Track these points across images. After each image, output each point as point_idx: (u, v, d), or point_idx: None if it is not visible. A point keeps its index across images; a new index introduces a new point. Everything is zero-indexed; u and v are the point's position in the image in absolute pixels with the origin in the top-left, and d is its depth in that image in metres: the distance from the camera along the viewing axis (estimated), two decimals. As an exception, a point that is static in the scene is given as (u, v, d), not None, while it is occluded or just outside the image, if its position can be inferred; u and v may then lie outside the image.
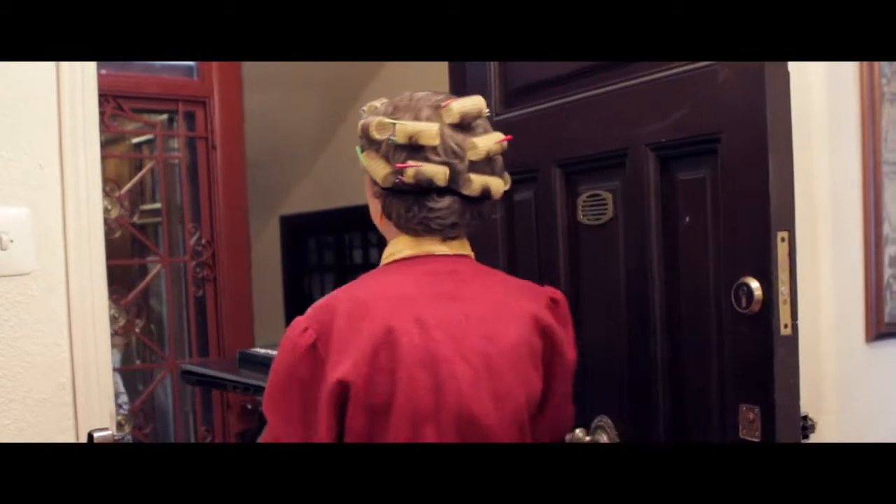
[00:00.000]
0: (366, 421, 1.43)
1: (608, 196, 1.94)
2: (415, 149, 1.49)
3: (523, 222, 2.21)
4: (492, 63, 2.27)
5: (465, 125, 1.53)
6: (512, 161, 2.21)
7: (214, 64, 3.52)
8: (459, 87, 2.41)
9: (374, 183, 1.55)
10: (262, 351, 2.28)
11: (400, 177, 1.49)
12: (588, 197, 1.99)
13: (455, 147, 1.51)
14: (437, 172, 1.49)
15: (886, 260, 2.22)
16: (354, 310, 1.45)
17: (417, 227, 1.54)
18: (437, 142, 1.49)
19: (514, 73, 2.24)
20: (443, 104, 1.53)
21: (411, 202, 1.52)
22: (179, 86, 3.51)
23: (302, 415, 1.44)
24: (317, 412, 1.42)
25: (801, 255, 1.61)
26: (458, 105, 1.52)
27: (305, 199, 4.69)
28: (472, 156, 1.52)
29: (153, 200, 3.96)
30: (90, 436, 1.70)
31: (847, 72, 2.15)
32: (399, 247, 1.57)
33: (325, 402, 1.41)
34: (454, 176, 1.51)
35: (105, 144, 4.14)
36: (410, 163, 1.48)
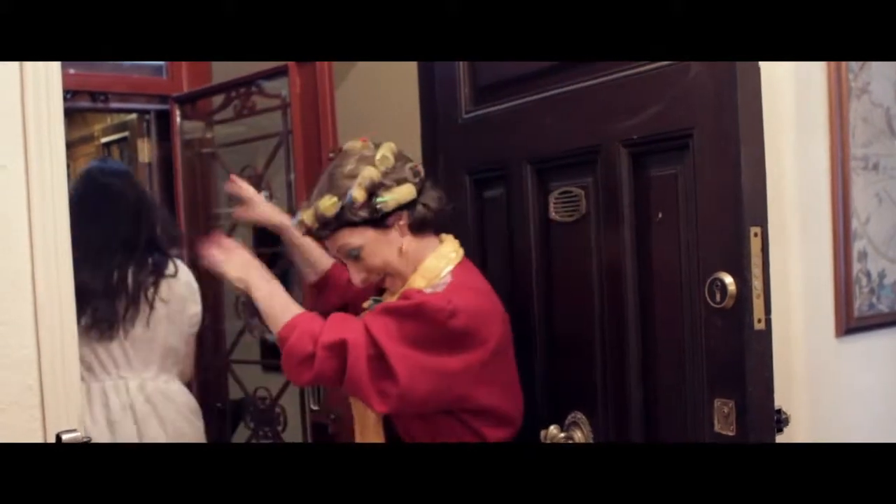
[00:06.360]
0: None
1: (580, 193, 1.94)
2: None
3: (494, 220, 2.20)
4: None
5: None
6: (482, 158, 2.21)
7: (184, 63, 3.48)
8: (428, 84, 2.40)
9: (396, 216, 1.86)
10: None
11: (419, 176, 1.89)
12: (560, 194, 1.99)
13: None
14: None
15: (855, 255, 2.24)
16: (488, 299, 1.88)
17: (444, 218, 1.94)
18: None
19: (483, 69, 2.23)
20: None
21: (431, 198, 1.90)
22: (148, 84, 3.48)
23: (420, 351, 1.75)
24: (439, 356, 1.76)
25: (772, 250, 1.61)
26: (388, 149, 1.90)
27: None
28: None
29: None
30: (58, 438, 1.67)
31: (815, 68, 2.17)
32: (447, 252, 1.93)
33: (487, 352, 1.80)
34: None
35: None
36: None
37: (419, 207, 1.88)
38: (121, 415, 2.54)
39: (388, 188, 1.84)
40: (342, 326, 1.80)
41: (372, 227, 1.85)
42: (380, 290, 2.02)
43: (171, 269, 2.61)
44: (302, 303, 2.00)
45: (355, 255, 1.88)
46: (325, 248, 2.03)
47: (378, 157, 1.85)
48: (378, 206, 1.83)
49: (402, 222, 1.87)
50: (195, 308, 2.71)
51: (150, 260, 2.57)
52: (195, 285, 2.72)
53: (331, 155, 2.00)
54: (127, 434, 2.53)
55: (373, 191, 1.83)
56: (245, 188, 2.28)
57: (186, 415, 2.66)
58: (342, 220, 1.85)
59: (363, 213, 1.83)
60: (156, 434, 2.56)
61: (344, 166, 1.87)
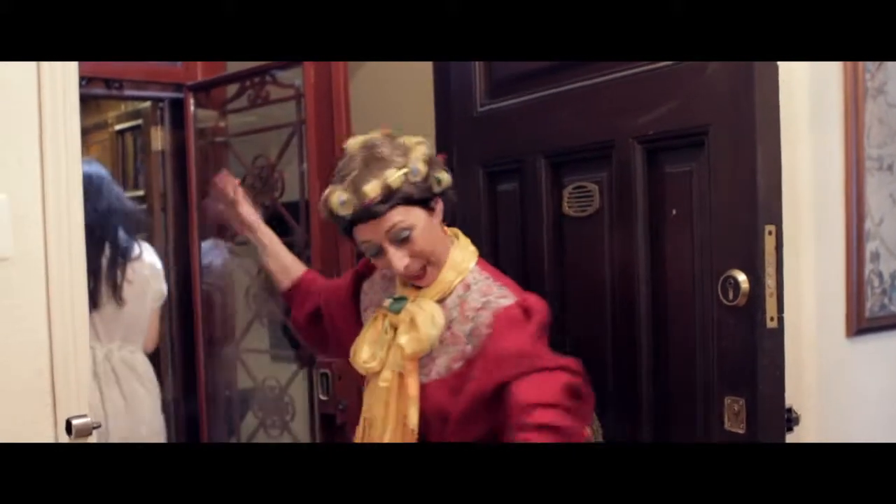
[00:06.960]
0: None
1: (594, 188, 1.93)
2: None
3: (507, 214, 2.20)
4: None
5: None
6: (496, 152, 2.21)
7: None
8: (443, 77, 2.40)
9: (435, 200, 1.81)
10: None
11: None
12: (574, 188, 1.98)
13: None
14: None
15: (868, 255, 2.23)
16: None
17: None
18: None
19: (499, 64, 2.23)
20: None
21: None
22: (163, 72, 3.48)
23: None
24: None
25: (784, 249, 1.61)
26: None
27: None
28: None
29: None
30: (68, 423, 1.68)
31: (831, 67, 2.16)
32: (466, 244, 1.88)
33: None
34: None
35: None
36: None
37: (449, 196, 1.85)
38: None
39: (438, 168, 1.81)
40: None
41: (422, 207, 1.78)
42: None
43: (136, 251, 2.86)
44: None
45: (405, 237, 1.77)
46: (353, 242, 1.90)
47: (417, 139, 1.81)
48: (438, 180, 1.79)
49: (439, 207, 1.82)
50: (157, 285, 2.97)
51: (119, 245, 2.81)
52: (158, 265, 2.98)
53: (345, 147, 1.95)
54: (91, 399, 2.69)
55: (430, 166, 1.79)
56: (233, 187, 2.27)
57: (145, 382, 2.92)
58: (401, 195, 1.75)
59: (421, 189, 1.77)
60: (116, 399, 2.82)
61: (381, 147, 1.79)
